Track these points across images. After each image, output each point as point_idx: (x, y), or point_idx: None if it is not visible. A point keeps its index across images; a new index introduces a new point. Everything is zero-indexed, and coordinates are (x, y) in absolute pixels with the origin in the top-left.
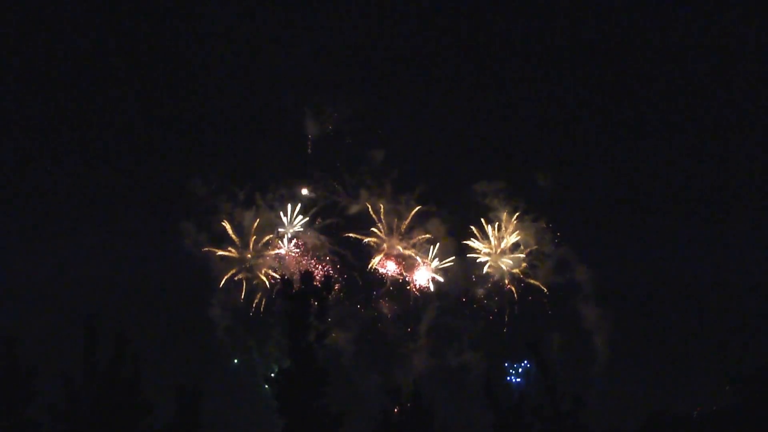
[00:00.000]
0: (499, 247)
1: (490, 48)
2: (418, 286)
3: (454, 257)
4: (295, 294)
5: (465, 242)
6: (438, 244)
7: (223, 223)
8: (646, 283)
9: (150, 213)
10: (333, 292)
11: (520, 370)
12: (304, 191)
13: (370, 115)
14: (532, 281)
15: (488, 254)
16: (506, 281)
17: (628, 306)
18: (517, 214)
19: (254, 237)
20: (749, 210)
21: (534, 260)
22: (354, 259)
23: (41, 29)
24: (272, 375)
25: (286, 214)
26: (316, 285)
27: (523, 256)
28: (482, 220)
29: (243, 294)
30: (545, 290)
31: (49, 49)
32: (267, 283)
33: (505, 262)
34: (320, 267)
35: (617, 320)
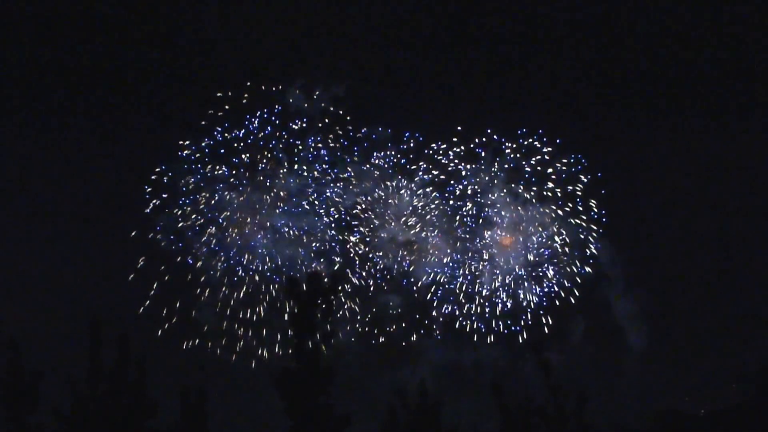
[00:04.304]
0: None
1: (501, 22)
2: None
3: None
4: (301, 294)
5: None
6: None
7: None
8: (658, 276)
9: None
10: (340, 292)
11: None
12: None
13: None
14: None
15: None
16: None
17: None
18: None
19: None
20: None
21: (547, 248)
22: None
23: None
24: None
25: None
26: (323, 285)
27: (540, 241)
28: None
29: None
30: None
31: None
32: None
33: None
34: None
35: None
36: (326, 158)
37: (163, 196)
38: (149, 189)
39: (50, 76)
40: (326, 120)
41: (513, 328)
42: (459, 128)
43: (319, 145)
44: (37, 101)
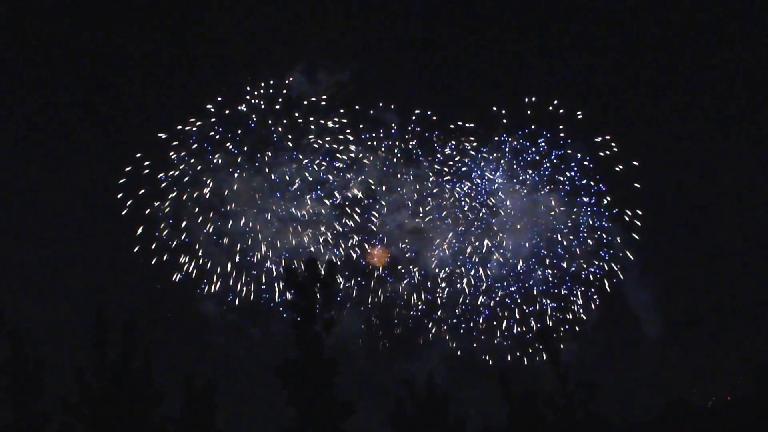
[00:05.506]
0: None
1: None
2: None
3: None
4: (299, 283)
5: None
6: None
7: None
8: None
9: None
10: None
11: None
12: None
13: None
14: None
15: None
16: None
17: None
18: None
19: None
20: None
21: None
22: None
23: None
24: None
25: None
26: (321, 271)
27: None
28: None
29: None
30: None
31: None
32: None
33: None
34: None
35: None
36: (330, 144)
37: (163, 183)
38: (149, 183)
39: (52, 72)
40: (330, 108)
41: (522, 317)
42: (463, 117)
43: (324, 130)
44: (40, 94)
